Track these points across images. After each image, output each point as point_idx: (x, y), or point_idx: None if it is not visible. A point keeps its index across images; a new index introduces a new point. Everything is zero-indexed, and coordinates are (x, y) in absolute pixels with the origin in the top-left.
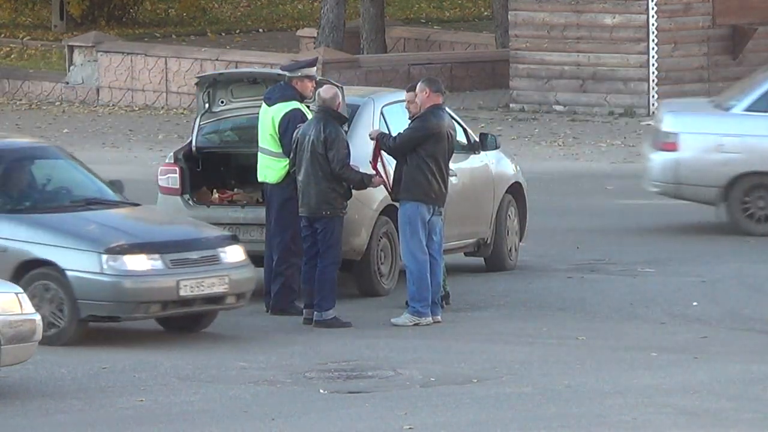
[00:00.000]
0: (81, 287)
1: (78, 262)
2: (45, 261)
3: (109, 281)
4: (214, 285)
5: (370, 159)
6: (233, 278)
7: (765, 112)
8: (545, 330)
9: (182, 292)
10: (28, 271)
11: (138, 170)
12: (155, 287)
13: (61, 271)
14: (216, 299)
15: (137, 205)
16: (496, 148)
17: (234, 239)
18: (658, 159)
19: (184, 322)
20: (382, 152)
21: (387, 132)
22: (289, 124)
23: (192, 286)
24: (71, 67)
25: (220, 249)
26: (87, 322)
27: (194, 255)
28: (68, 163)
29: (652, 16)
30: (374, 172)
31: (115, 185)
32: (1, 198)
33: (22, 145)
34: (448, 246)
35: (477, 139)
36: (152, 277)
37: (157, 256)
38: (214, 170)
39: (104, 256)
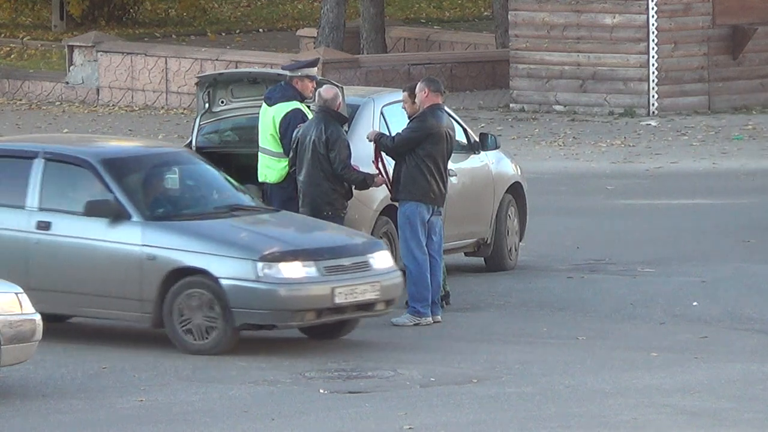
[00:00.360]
0: (236, 295)
1: (232, 270)
2: (197, 269)
3: (266, 289)
4: (366, 292)
5: (373, 159)
6: (384, 284)
7: None
8: (545, 330)
9: (337, 300)
10: (179, 280)
11: None
12: (311, 295)
13: (215, 279)
14: (367, 306)
15: (277, 210)
16: (496, 148)
17: (382, 245)
18: None
19: (327, 328)
20: (382, 152)
21: (385, 132)
22: (289, 124)
23: (346, 293)
24: (71, 67)
25: (369, 255)
26: (240, 330)
27: (346, 261)
28: (203, 168)
29: (652, 16)
30: (377, 172)
31: (249, 190)
32: (146, 205)
33: (159, 151)
34: (448, 246)
35: (477, 139)
36: (307, 285)
37: (311, 263)
38: None
39: (260, 264)
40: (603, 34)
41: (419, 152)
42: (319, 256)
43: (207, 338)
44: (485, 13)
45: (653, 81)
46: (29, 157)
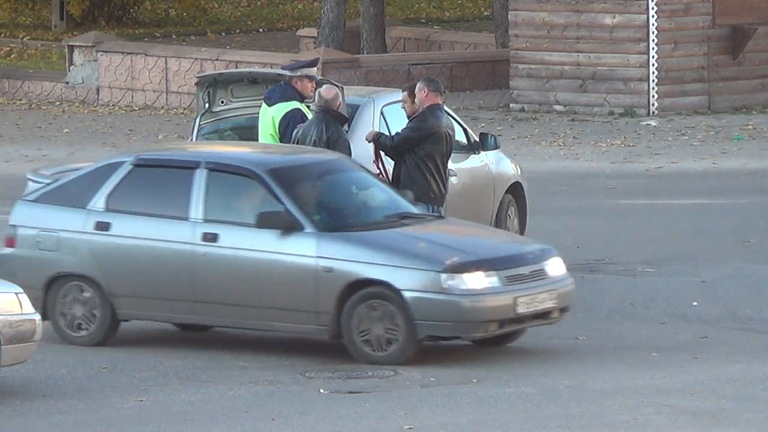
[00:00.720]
0: (419, 307)
1: (415, 282)
2: (377, 281)
3: (450, 300)
4: (545, 300)
5: (373, 159)
6: (560, 292)
7: None
8: (545, 330)
9: (519, 310)
10: (357, 291)
11: None
12: (494, 306)
13: (397, 291)
14: (544, 315)
15: (441, 217)
16: (496, 148)
17: (555, 252)
18: None
19: (496, 337)
20: (382, 152)
21: (384, 132)
22: (289, 124)
23: (527, 302)
24: (71, 67)
25: (545, 262)
26: (422, 341)
27: (525, 270)
28: (363, 175)
29: (652, 16)
30: (377, 171)
31: (407, 196)
32: (318, 216)
33: (321, 158)
34: None
35: (477, 139)
36: (491, 296)
37: (493, 273)
38: None
39: (443, 275)
40: (603, 34)
41: (419, 152)
42: (500, 266)
43: (387, 350)
44: (485, 13)
45: (653, 81)
46: (191, 167)
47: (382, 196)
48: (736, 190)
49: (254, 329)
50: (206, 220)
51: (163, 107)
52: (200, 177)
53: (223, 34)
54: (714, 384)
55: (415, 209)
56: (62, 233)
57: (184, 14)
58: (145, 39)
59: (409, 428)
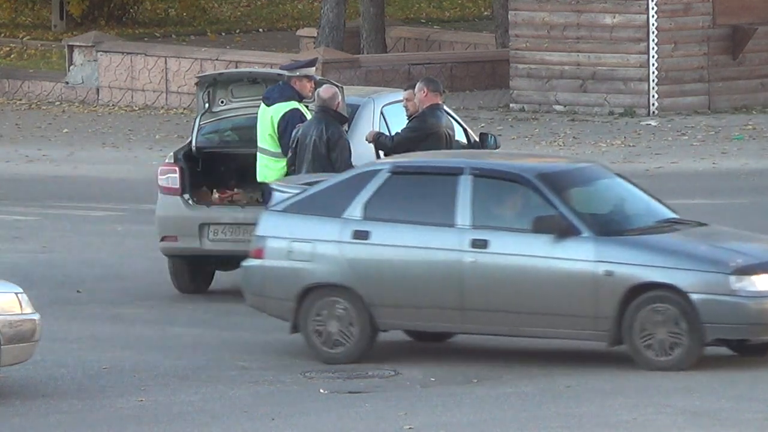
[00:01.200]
0: (707, 310)
1: (702, 284)
2: (661, 284)
3: (739, 303)
4: None
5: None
6: None
7: None
8: None
9: None
10: (639, 295)
11: (138, 170)
12: None
13: (683, 294)
14: None
15: (705, 224)
16: (496, 148)
17: None
18: None
19: (759, 346)
20: (382, 152)
21: (384, 132)
22: (287, 124)
23: None
24: (71, 67)
25: None
26: (707, 345)
27: None
28: (621, 181)
29: (652, 16)
30: None
31: (662, 202)
32: (592, 220)
33: (582, 165)
34: None
35: (477, 139)
36: None
37: None
38: (214, 170)
39: (732, 277)
40: (603, 34)
41: (418, 152)
42: None
43: (671, 354)
44: (485, 13)
45: (653, 81)
46: (454, 173)
47: (643, 202)
48: (736, 190)
49: (526, 336)
50: (474, 227)
51: (163, 107)
52: (465, 183)
53: (223, 34)
54: (714, 384)
55: (677, 215)
56: (317, 243)
57: (184, 14)
58: (145, 39)
59: (409, 428)
